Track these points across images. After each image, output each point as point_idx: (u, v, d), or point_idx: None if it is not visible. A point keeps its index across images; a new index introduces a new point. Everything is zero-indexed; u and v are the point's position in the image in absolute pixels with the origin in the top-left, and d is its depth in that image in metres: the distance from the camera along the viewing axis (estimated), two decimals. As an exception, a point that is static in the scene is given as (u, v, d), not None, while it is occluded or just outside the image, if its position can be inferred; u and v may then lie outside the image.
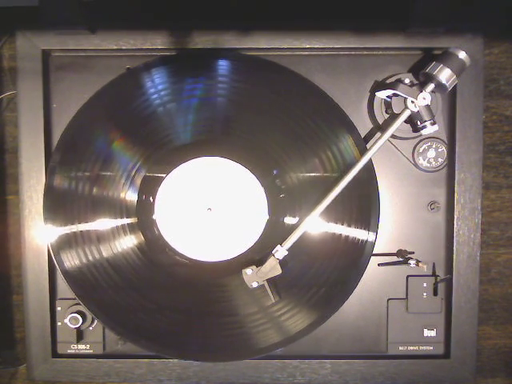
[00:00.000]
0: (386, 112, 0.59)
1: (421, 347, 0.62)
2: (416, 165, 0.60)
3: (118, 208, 0.57)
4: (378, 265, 0.61)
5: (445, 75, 0.54)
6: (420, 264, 0.59)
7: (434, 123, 0.56)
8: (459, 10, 0.59)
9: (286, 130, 0.57)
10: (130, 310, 0.58)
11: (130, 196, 0.57)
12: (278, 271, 0.56)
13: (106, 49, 0.58)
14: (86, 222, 0.57)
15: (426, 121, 0.56)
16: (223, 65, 0.58)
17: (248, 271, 0.56)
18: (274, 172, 0.57)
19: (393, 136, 0.59)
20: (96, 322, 0.61)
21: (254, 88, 0.58)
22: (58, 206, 0.57)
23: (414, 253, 0.61)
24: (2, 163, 0.66)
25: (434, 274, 0.61)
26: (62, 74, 0.60)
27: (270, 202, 0.57)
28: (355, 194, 0.57)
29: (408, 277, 0.61)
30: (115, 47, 0.58)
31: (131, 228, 0.58)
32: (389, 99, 0.57)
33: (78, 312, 0.60)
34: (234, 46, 0.58)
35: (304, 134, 0.57)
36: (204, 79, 0.58)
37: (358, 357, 0.61)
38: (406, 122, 0.57)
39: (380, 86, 0.59)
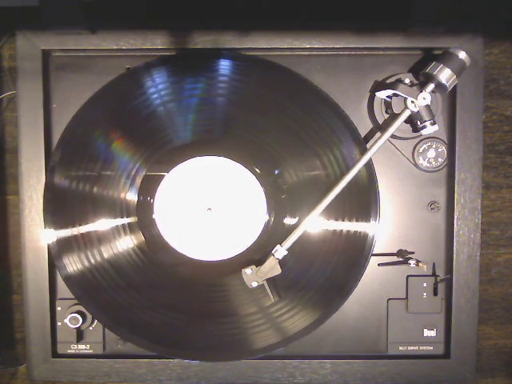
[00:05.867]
0: (386, 112, 0.59)
1: (421, 347, 0.62)
2: (416, 165, 0.60)
3: (117, 208, 0.57)
4: (378, 265, 0.61)
5: (445, 75, 0.54)
6: (420, 264, 0.59)
7: (434, 123, 0.56)
8: (459, 10, 0.59)
9: (286, 130, 0.57)
10: (130, 309, 0.58)
11: (130, 196, 0.57)
12: (278, 271, 0.56)
13: (106, 49, 0.58)
14: (86, 222, 0.57)
15: (426, 121, 0.56)
16: (223, 65, 0.58)
17: (248, 271, 0.56)
18: (276, 172, 0.57)
19: (393, 136, 0.59)
20: (96, 321, 0.61)
21: (253, 88, 0.58)
22: (57, 205, 0.57)
23: (413, 253, 0.61)
24: (2, 163, 0.66)
25: (434, 274, 0.61)
26: (62, 74, 0.60)
27: (270, 202, 0.57)
28: (355, 193, 0.57)
29: (408, 277, 0.61)
30: (115, 47, 0.58)
31: (131, 228, 0.58)
32: (389, 99, 0.57)
33: (78, 312, 0.60)
34: (234, 46, 0.58)
35: (304, 133, 0.57)
36: (204, 79, 0.58)
37: (358, 357, 0.61)
38: (406, 122, 0.57)
39: (380, 86, 0.59)
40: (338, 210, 0.57)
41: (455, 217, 0.59)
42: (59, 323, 0.61)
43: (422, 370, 0.61)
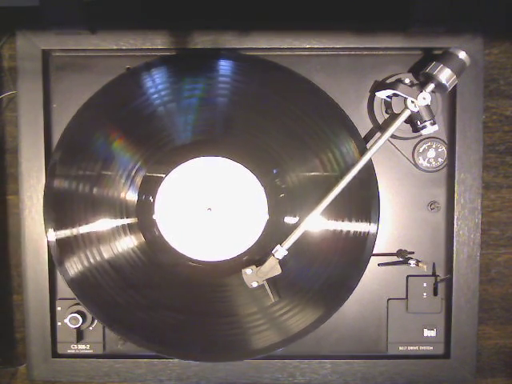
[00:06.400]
0: (386, 112, 0.59)
1: (421, 347, 0.62)
2: (416, 165, 0.60)
3: (117, 208, 0.57)
4: (378, 265, 0.61)
5: (445, 75, 0.54)
6: (420, 264, 0.59)
7: (434, 123, 0.56)
8: (459, 10, 0.59)
9: (286, 130, 0.57)
10: (130, 309, 0.58)
11: (130, 196, 0.57)
12: (278, 271, 0.56)
13: (106, 49, 0.58)
14: (86, 222, 0.57)
15: (426, 121, 0.56)
16: (223, 65, 0.58)
17: (248, 271, 0.56)
18: (274, 171, 0.57)
19: (393, 136, 0.59)
20: (96, 321, 0.61)
21: (253, 88, 0.58)
22: (57, 206, 0.57)
23: (413, 253, 0.61)
24: (2, 163, 0.66)
25: (434, 274, 0.61)
26: (62, 74, 0.60)
27: (270, 202, 0.57)
28: (355, 193, 0.57)
29: (408, 277, 0.61)
30: (115, 47, 0.58)
31: (131, 228, 0.58)
32: (389, 99, 0.57)
33: (78, 312, 0.60)
34: (234, 46, 0.58)
35: (304, 133, 0.57)
36: (204, 79, 0.58)
37: (358, 357, 0.61)
38: (406, 122, 0.57)
39: (380, 86, 0.59)
40: (338, 210, 0.57)
41: (455, 217, 0.59)
42: (59, 323, 0.61)
43: (421, 370, 0.61)
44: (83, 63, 0.60)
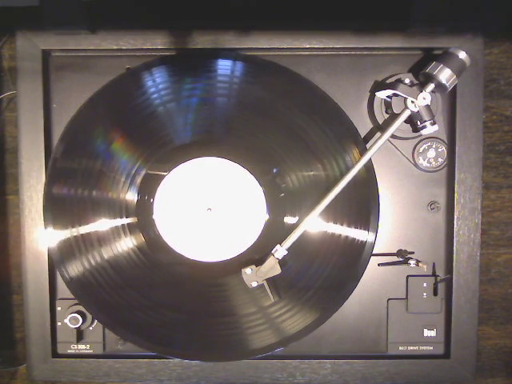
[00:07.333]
0: (386, 112, 0.59)
1: (421, 347, 0.62)
2: (416, 165, 0.60)
3: (117, 208, 0.57)
4: (378, 265, 0.61)
5: (445, 75, 0.54)
6: (420, 264, 0.59)
7: (434, 123, 0.56)
8: (459, 10, 0.59)
9: (286, 130, 0.57)
10: (130, 309, 0.58)
11: (130, 196, 0.57)
12: (278, 271, 0.56)
13: (106, 49, 0.58)
14: (86, 222, 0.57)
15: (425, 121, 0.56)
16: (223, 65, 0.58)
17: (247, 271, 0.56)
18: (274, 170, 0.57)
19: (393, 136, 0.59)
20: (96, 321, 0.61)
21: (253, 88, 0.58)
22: (57, 206, 0.57)
23: (413, 253, 0.61)
24: (2, 163, 0.66)
25: (434, 274, 0.61)
26: (62, 74, 0.60)
27: (270, 202, 0.57)
28: (355, 193, 0.57)
29: (408, 277, 0.61)
30: (115, 47, 0.58)
31: (130, 228, 0.58)
32: (389, 99, 0.57)
33: (78, 312, 0.60)
34: (234, 46, 0.58)
35: (304, 134, 0.57)
36: (204, 79, 0.58)
37: (358, 357, 0.61)
38: (406, 122, 0.57)
39: (380, 86, 0.59)
40: (337, 210, 0.57)
41: (455, 217, 0.59)
42: (59, 323, 0.61)
43: (421, 370, 0.61)
44: (83, 63, 0.60)
